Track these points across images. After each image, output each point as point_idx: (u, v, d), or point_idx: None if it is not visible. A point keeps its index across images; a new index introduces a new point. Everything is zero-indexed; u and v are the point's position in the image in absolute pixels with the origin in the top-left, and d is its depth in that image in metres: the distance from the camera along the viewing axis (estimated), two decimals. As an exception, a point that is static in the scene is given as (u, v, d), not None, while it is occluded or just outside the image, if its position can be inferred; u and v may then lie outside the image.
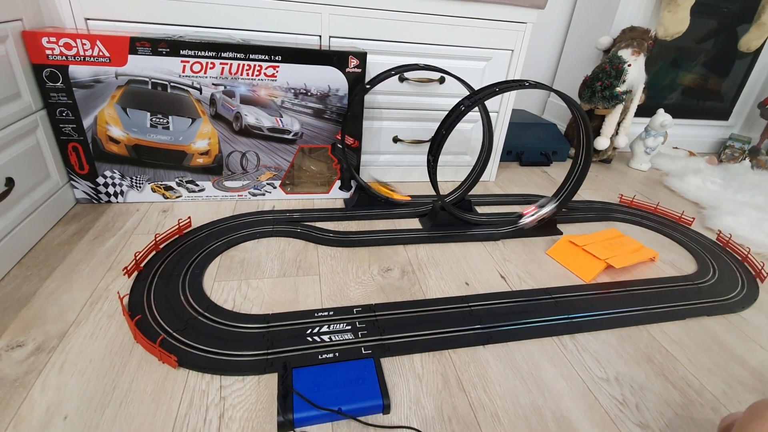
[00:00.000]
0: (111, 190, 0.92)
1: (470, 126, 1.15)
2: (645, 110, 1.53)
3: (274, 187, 1.00)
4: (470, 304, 0.72)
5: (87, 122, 0.85)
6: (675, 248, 0.98)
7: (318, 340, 0.60)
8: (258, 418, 0.49)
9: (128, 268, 0.70)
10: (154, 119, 0.87)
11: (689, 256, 0.95)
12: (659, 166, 1.53)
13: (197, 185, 0.95)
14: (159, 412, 0.49)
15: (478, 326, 0.66)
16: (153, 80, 0.84)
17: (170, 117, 0.87)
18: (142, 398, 0.51)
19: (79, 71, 0.81)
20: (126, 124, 0.87)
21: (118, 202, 0.94)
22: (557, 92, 0.81)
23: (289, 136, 0.95)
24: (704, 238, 1.04)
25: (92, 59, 0.81)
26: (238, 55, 0.85)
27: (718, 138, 1.87)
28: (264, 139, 0.94)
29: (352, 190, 1.05)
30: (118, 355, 0.56)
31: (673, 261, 0.93)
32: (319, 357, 0.57)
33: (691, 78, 1.74)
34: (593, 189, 1.29)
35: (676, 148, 1.73)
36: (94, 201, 0.93)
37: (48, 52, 0.78)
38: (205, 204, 0.96)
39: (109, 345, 0.57)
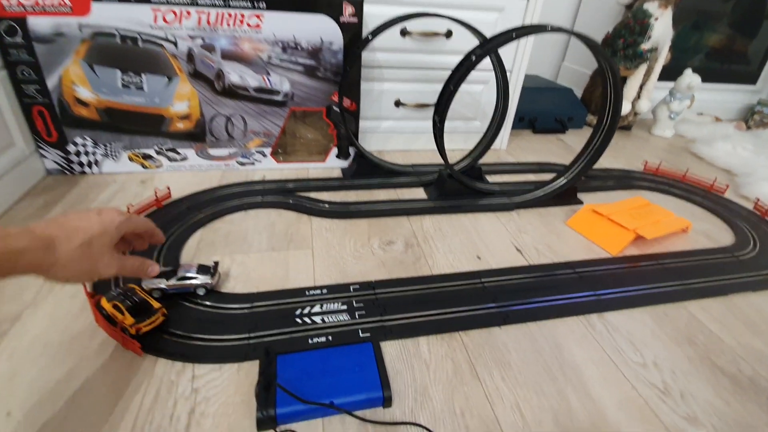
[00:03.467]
0: (84, 159, 0.84)
1: (480, 87, 1.05)
2: (668, 73, 1.40)
3: (265, 156, 0.91)
4: (483, 279, 0.63)
5: (51, 82, 0.76)
6: (708, 218, 0.89)
7: (308, 321, 0.52)
8: (235, 414, 0.42)
9: (95, 243, 0.62)
10: (125, 78, 0.78)
11: (725, 226, 0.86)
12: (684, 133, 1.41)
13: (179, 153, 0.87)
14: (119, 406, 0.42)
15: (493, 305, 0.58)
16: (121, 32, 0.74)
17: (143, 75, 0.78)
18: (101, 390, 0.43)
19: (39, 24, 0.72)
20: (94, 83, 0.77)
21: (92, 172, 0.85)
22: (583, 37, 0.70)
23: (279, 98, 0.85)
24: (739, 206, 0.94)
25: (52, 9, 0.71)
26: (217, 2, 0.74)
27: (745, 103, 1.74)
28: (250, 101, 0.84)
29: (351, 158, 0.96)
30: (78, 341, 0.48)
31: (707, 232, 0.83)
32: (310, 341, 0.50)
33: (717, 39, 1.60)
34: (613, 157, 1.19)
35: (701, 114, 1.61)
36: (67, 172, 0.84)
37: (4, 2, 0.69)
38: (189, 174, 0.88)
39: (68, 329, 0.50)
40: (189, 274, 0.54)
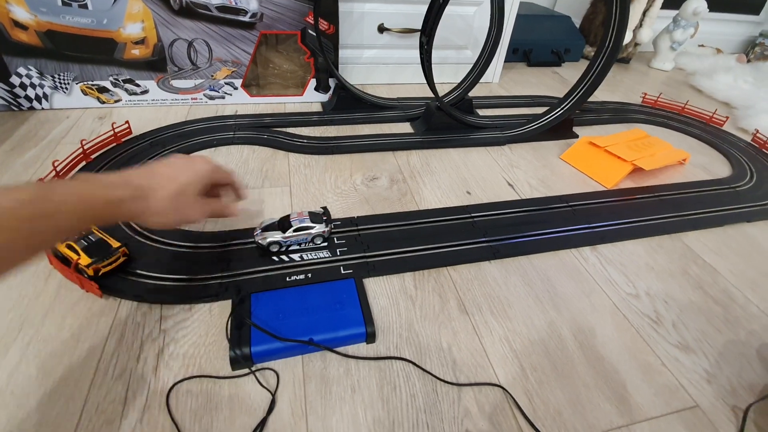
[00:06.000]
0: (31, 92, 0.75)
1: (473, 10, 0.95)
2: (670, 1, 1.29)
3: (235, 88, 0.83)
4: (473, 214, 0.60)
5: (-21, 0, 0.66)
6: (706, 150, 0.85)
7: (286, 259, 0.49)
8: (207, 354, 0.39)
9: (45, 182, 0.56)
10: (65, -7, 0.67)
11: (722, 159, 0.83)
12: (684, 66, 1.34)
13: (138, 85, 0.78)
14: (79, 350, 0.38)
15: (483, 239, 0.55)
16: (52, -66, 0.63)
17: (86, -11, 0.67)
18: (58, 335, 0.40)
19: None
20: (31, 1, 0.67)
21: (43, 108, 0.77)
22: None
23: (246, 18, 0.75)
24: (738, 139, 0.90)
25: None
26: None
27: (747, 36, 1.66)
28: (213, 22, 0.74)
29: (331, 91, 0.88)
30: (30, 284, 0.44)
31: (704, 164, 0.80)
32: (288, 279, 0.46)
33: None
34: (610, 90, 1.12)
35: (702, 46, 1.53)
36: (14, 108, 0.76)
37: None
38: (152, 109, 0.80)
39: (19, 272, 0.45)
40: (305, 224, 0.49)
